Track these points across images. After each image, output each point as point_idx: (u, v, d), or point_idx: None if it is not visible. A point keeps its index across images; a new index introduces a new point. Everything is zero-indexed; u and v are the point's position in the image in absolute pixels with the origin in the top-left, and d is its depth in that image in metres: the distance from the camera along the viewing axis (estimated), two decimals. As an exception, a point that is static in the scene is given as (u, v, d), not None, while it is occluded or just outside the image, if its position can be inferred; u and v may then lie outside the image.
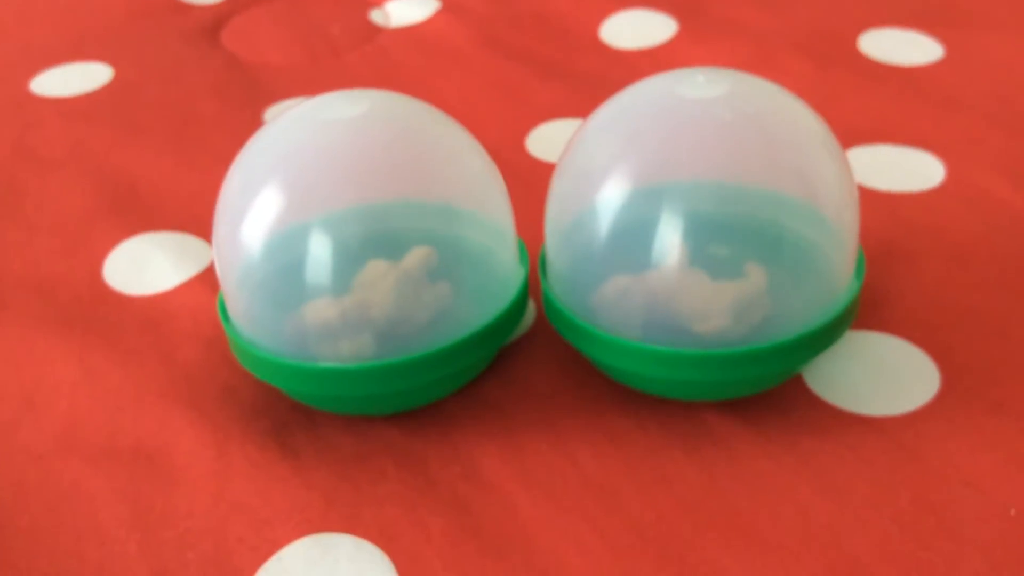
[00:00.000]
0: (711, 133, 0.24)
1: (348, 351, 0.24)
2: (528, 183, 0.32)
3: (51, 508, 0.24)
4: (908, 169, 0.34)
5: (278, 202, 0.24)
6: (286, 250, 0.24)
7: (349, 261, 0.24)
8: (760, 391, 0.26)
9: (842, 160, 0.25)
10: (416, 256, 0.24)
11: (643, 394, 0.26)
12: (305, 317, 0.24)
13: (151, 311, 0.31)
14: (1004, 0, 0.45)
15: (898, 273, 0.30)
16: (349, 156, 0.25)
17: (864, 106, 0.38)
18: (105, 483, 0.25)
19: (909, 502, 0.23)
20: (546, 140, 0.38)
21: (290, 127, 0.26)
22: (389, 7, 0.49)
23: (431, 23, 0.48)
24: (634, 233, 0.24)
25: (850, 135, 0.36)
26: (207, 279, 0.32)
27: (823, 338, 0.24)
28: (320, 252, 0.24)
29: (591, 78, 0.42)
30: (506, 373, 0.28)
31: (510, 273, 0.26)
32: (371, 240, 0.25)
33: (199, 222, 0.34)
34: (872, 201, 0.33)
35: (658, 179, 0.24)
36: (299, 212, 0.24)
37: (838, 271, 0.25)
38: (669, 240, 0.23)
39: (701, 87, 0.25)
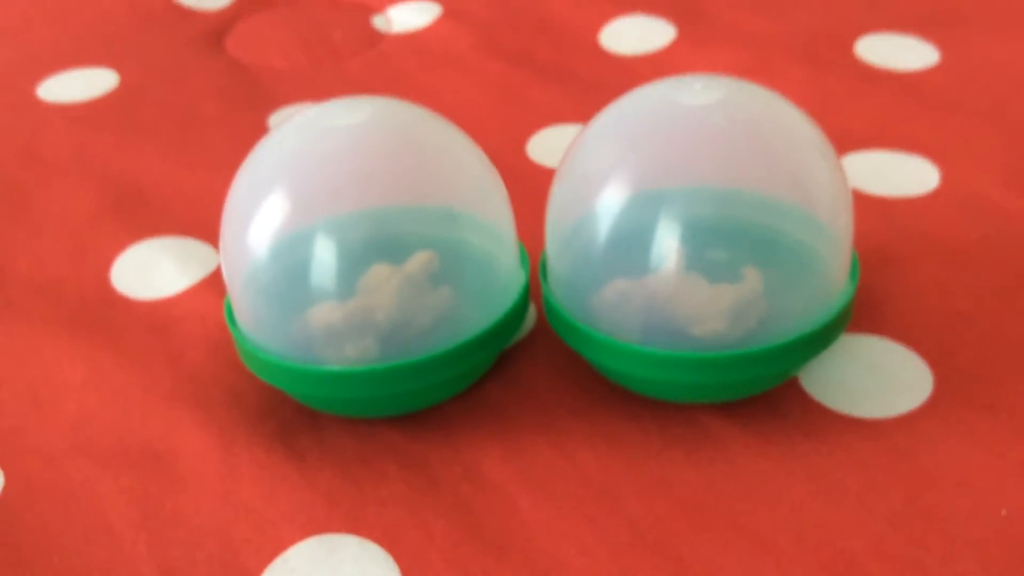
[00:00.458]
0: (708, 139, 0.24)
1: (352, 354, 0.24)
2: (529, 188, 0.32)
3: (60, 508, 0.25)
4: (904, 174, 0.35)
5: (283, 207, 0.25)
6: (290, 255, 0.25)
7: (353, 265, 0.24)
8: (756, 393, 0.26)
9: (837, 165, 0.25)
10: (419, 260, 0.25)
11: (642, 396, 0.26)
12: (310, 321, 0.24)
13: (158, 315, 0.31)
14: (1000, 5, 0.45)
15: (892, 277, 0.30)
16: (352, 162, 0.25)
17: (861, 111, 0.38)
18: (113, 484, 0.25)
19: (903, 502, 0.23)
20: (546, 145, 0.38)
21: (294, 134, 0.26)
22: (391, 13, 0.49)
23: (433, 29, 0.48)
24: (633, 238, 0.24)
25: (846, 139, 0.36)
26: (213, 283, 0.32)
27: (818, 341, 0.24)
28: (324, 256, 0.24)
29: (591, 84, 0.42)
30: (507, 376, 0.28)
31: (511, 277, 0.26)
32: (374, 245, 0.25)
33: (204, 226, 0.34)
34: (868, 206, 0.33)
35: (656, 184, 0.25)
36: (303, 217, 0.25)
37: (833, 275, 0.25)
38: (667, 244, 0.24)
39: (698, 94, 0.25)
